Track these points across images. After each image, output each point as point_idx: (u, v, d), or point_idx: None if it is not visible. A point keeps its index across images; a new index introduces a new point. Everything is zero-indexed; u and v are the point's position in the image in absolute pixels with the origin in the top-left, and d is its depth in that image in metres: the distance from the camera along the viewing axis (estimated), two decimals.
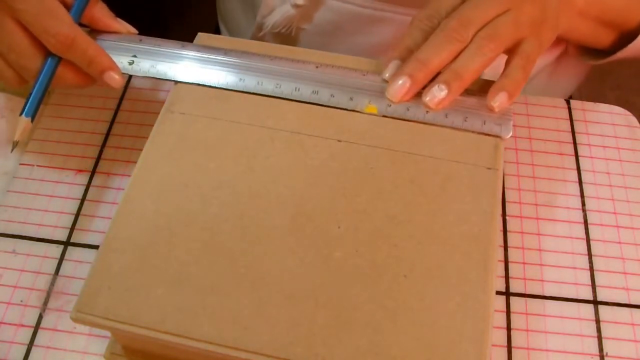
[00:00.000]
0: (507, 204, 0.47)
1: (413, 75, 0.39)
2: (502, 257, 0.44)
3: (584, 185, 0.48)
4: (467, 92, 0.40)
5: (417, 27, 0.40)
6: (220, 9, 0.70)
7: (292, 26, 0.56)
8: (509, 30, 0.39)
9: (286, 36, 0.57)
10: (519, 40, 0.40)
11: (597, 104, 0.52)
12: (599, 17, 0.47)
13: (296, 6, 0.54)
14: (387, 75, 0.40)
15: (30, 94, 0.40)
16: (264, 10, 0.57)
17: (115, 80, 0.41)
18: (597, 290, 0.43)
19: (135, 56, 0.42)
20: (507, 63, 0.40)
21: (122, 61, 0.41)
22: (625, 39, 0.49)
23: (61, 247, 0.45)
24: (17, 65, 0.40)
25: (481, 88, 0.40)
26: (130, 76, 0.45)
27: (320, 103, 0.40)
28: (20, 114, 0.40)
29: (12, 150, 0.41)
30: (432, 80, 0.39)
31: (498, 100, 0.39)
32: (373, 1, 0.53)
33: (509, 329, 0.42)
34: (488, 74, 0.41)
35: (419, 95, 0.40)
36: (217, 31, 0.73)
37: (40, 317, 0.42)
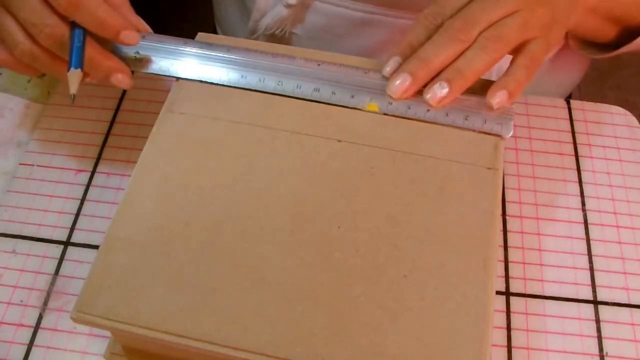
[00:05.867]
0: (507, 204, 0.47)
1: (414, 73, 0.39)
2: (502, 257, 0.44)
3: (584, 185, 0.48)
4: (469, 91, 0.40)
5: (422, 25, 0.40)
6: (217, 14, 0.70)
7: (285, 29, 0.56)
8: (514, 33, 0.38)
9: (279, 40, 0.57)
10: (525, 41, 0.39)
11: (597, 104, 0.52)
12: (608, 13, 0.47)
13: (288, 6, 0.54)
14: (387, 70, 0.40)
15: (71, 49, 0.38)
16: (256, 15, 0.57)
17: (132, 38, 0.39)
18: (597, 290, 0.43)
19: (137, 52, 0.42)
20: (512, 62, 0.40)
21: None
22: (628, 34, 0.49)
23: (61, 247, 0.45)
24: (45, 37, 0.38)
25: (483, 88, 0.40)
26: (132, 73, 0.45)
27: (322, 101, 0.40)
28: (68, 70, 0.38)
29: (72, 101, 0.39)
30: (434, 78, 0.39)
31: (497, 98, 0.39)
32: (364, 4, 0.52)
33: (509, 329, 0.42)
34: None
35: (420, 93, 0.40)
36: (214, 33, 0.72)
37: (40, 317, 0.42)
